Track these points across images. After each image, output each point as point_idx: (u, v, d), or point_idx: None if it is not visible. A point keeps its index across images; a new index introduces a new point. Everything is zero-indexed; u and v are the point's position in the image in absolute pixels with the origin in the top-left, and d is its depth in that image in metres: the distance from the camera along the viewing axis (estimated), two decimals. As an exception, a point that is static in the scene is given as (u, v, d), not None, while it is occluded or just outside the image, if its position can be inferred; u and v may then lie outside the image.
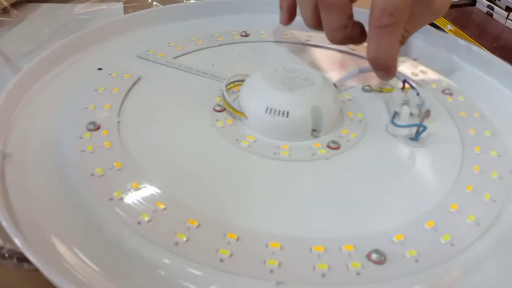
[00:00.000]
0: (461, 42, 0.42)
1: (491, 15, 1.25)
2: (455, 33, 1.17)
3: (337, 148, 0.30)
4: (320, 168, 0.28)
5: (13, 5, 0.47)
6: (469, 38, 1.15)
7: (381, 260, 0.22)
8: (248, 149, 0.29)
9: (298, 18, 0.47)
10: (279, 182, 0.27)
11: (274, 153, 0.29)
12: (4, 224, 0.21)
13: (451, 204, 0.26)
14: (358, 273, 0.21)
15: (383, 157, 0.30)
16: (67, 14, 0.48)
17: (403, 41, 0.35)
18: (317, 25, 0.36)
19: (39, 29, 0.45)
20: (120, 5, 0.51)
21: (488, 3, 1.14)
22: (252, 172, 0.28)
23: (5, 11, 0.46)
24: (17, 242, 0.21)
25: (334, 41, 0.35)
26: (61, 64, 0.37)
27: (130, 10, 0.50)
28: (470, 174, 0.28)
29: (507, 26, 1.11)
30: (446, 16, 1.21)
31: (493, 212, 0.25)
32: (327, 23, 0.34)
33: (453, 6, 1.25)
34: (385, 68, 0.33)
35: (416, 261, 0.22)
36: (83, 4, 0.49)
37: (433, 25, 0.63)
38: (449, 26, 1.25)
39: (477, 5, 1.05)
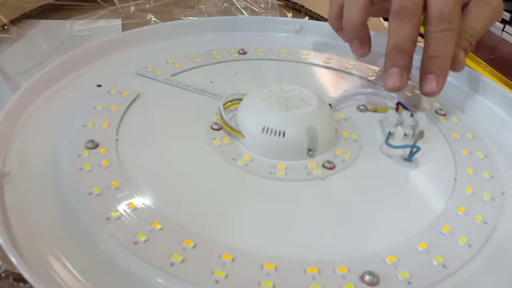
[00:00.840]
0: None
1: (487, 28, 1.26)
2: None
3: (332, 168, 0.30)
4: (315, 188, 0.29)
5: (12, 22, 0.48)
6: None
7: (374, 281, 0.22)
8: (245, 168, 0.30)
9: (292, 36, 0.48)
10: (275, 202, 0.28)
11: (270, 173, 0.29)
12: (1, 242, 0.21)
13: (443, 225, 0.26)
14: (351, 295, 0.22)
15: (377, 178, 0.30)
16: (66, 31, 0.48)
17: (472, 41, 0.36)
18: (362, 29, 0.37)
19: (38, 46, 0.46)
20: (119, 22, 0.51)
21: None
22: (249, 192, 0.28)
23: (4, 28, 0.47)
24: (14, 260, 0.21)
25: (400, 52, 0.34)
26: (60, 80, 0.37)
27: (128, 27, 0.51)
28: (463, 196, 0.29)
29: (503, 38, 1.12)
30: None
31: (485, 234, 0.26)
32: (397, 32, 0.34)
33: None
34: (440, 69, 0.34)
35: (409, 283, 0.22)
36: (82, 21, 0.50)
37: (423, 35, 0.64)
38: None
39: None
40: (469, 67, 0.42)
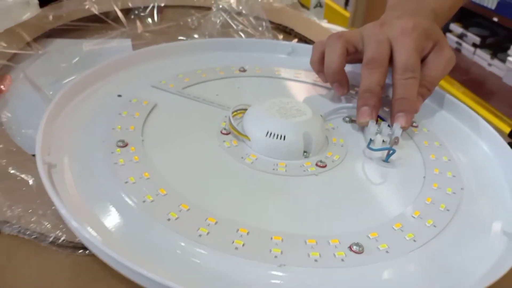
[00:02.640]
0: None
1: (459, 50, 1.36)
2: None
3: (324, 166, 0.36)
4: (310, 182, 0.35)
5: (34, 40, 0.53)
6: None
7: (360, 250, 0.28)
8: (252, 165, 0.35)
9: (285, 57, 0.55)
10: (278, 192, 0.34)
11: (273, 169, 0.35)
12: (62, 212, 0.26)
13: (414, 211, 0.32)
14: (342, 260, 0.28)
15: (361, 174, 0.37)
16: (82, 49, 0.54)
17: (430, 87, 0.43)
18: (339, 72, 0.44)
19: (58, 62, 0.51)
20: (129, 42, 0.57)
21: (457, 39, 1.26)
22: (256, 184, 0.34)
23: (27, 45, 0.52)
24: (73, 224, 0.26)
25: (370, 93, 0.41)
26: (86, 90, 0.42)
27: (138, 47, 0.56)
28: (430, 189, 0.35)
29: (474, 61, 1.21)
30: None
31: (447, 218, 0.32)
32: (368, 78, 0.42)
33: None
34: (408, 108, 0.40)
35: (387, 252, 0.28)
36: (95, 41, 0.56)
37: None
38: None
39: (447, 40, 1.15)
40: (440, 87, 0.49)
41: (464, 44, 1.30)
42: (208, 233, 0.28)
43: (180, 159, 0.35)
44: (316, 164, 0.36)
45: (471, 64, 1.28)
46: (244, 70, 0.50)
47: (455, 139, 0.43)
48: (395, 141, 0.38)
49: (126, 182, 0.31)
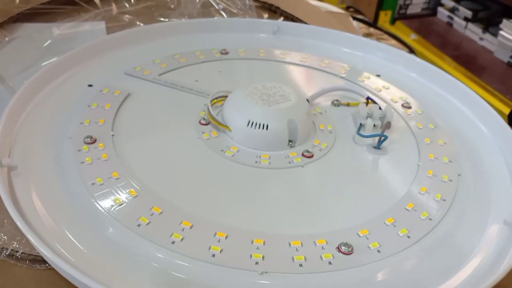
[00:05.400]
0: (418, 60, 0.47)
1: (451, 24, 1.33)
2: (419, 42, 1.25)
3: (311, 156, 0.34)
4: (296, 174, 0.32)
5: (0, 26, 0.49)
6: (432, 46, 1.22)
7: (349, 251, 0.26)
8: (233, 158, 0.33)
9: (270, 36, 0.51)
10: (260, 187, 0.31)
11: (256, 162, 0.33)
12: (18, 225, 0.24)
13: (408, 203, 0.30)
14: (330, 263, 0.25)
15: (350, 164, 0.34)
16: (52, 34, 0.50)
17: None
18: None
19: (27, 49, 0.47)
20: (103, 25, 0.53)
21: (448, 13, 1.22)
22: (237, 179, 0.31)
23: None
24: (30, 239, 0.23)
25: None
26: (54, 81, 0.39)
27: (112, 30, 0.52)
28: (425, 178, 0.32)
29: (466, 35, 1.18)
30: (410, 25, 1.29)
31: (443, 209, 0.30)
32: None
33: (415, 16, 1.33)
34: None
35: (379, 251, 0.26)
36: (67, 24, 0.52)
37: (394, 36, 0.68)
38: (413, 35, 1.32)
39: (438, 15, 1.11)
40: (433, 63, 0.46)
41: (455, 18, 1.27)
42: (182, 239, 0.25)
43: (154, 154, 0.33)
44: (302, 154, 0.34)
45: (462, 39, 1.26)
46: (226, 53, 0.47)
47: (451, 120, 0.40)
48: (387, 126, 0.35)
49: (93, 184, 0.29)
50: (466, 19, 1.20)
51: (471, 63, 1.12)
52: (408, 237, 0.27)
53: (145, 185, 0.29)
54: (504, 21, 1.05)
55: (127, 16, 0.58)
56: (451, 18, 1.26)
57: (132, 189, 0.28)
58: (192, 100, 0.39)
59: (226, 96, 0.37)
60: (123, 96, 0.38)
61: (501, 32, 1.08)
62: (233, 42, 0.49)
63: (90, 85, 0.40)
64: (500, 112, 0.44)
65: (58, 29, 0.51)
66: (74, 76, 0.41)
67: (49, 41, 0.50)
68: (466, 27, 1.21)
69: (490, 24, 1.16)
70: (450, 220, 0.29)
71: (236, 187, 0.31)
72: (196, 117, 0.37)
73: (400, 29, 1.28)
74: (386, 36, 0.69)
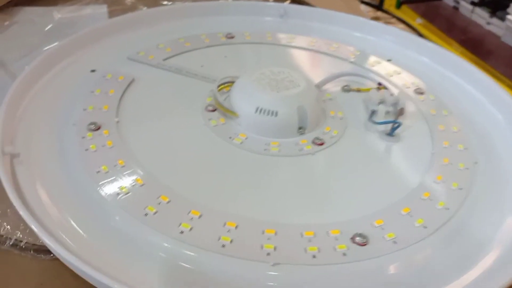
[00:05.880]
0: (429, 44, 0.45)
1: (457, 8, 1.31)
2: (425, 26, 1.23)
3: (322, 144, 0.33)
4: (307, 162, 0.31)
5: (0, 10, 0.48)
6: (438, 31, 1.20)
7: (364, 242, 0.25)
8: (241, 146, 0.32)
9: (277, 20, 0.50)
10: (270, 176, 0.30)
11: (265, 149, 0.32)
12: (22, 214, 0.23)
13: (423, 192, 0.29)
14: (344, 254, 0.24)
15: (362, 151, 0.33)
16: (53, 18, 0.49)
17: None
18: None
19: (27, 34, 0.46)
20: (104, 9, 0.52)
21: (455, -3, 1.19)
22: (246, 167, 0.30)
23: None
24: (34, 228, 0.22)
25: None
26: (56, 66, 0.38)
27: (115, 14, 0.51)
28: (440, 166, 0.31)
29: (472, 20, 1.16)
30: (416, 9, 1.26)
31: (460, 198, 0.29)
32: None
33: (421, 0, 1.30)
34: None
35: (394, 242, 0.25)
36: (68, 8, 0.51)
37: (402, 20, 0.66)
38: (419, 20, 1.30)
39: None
40: (443, 48, 0.45)
41: (462, 2, 1.25)
42: (191, 229, 0.25)
43: (160, 142, 0.32)
44: (313, 142, 0.33)
45: (469, 23, 1.24)
46: (232, 37, 0.46)
47: (465, 106, 0.39)
48: (401, 112, 0.34)
49: (98, 172, 0.28)
50: (473, 3, 1.18)
51: (478, 48, 1.10)
52: (425, 227, 0.26)
53: (152, 173, 0.28)
54: (512, 5, 1.03)
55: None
56: (458, 2, 1.24)
57: (138, 177, 0.27)
58: (198, 85, 0.38)
59: (233, 82, 0.36)
60: (127, 82, 0.37)
61: (509, 16, 1.06)
62: (238, 26, 0.48)
63: (93, 70, 0.39)
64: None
65: (59, 13, 0.50)
66: (77, 62, 0.40)
67: (50, 25, 0.49)
68: (473, 11, 1.19)
69: (498, 8, 1.14)
70: (467, 210, 0.28)
71: (245, 176, 0.30)
72: (202, 104, 0.35)
73: (406, 13, 1.25)
74: (394, 20, 0.67)
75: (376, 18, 0.65)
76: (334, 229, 0.25)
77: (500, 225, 0.28)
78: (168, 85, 0.38)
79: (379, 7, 0.69)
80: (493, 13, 1.14)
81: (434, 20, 1.22)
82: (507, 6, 1.06)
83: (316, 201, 0.28)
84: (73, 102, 0.34)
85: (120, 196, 0.26)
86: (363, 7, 0.65)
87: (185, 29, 0.46)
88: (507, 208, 0.29)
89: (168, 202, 0.26)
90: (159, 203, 0.26)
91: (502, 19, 1.09)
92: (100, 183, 0.27)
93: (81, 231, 0.24)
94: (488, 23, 1.17)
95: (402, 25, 0.65)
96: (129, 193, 0.26)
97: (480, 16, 1.17)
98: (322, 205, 0.28)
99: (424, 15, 1.24)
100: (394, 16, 0.67)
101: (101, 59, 0.40)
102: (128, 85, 0.37)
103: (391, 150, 0.33)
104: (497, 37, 1.13)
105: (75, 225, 0.25)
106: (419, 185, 0.30)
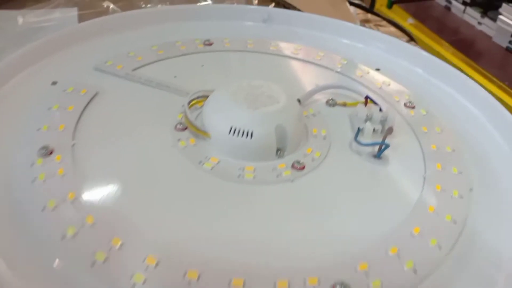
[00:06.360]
0: (423, 53, 0.42)
1: (449, 9, 1.29)
2: (416, 27, 1.20)
3: (302, 168, 0.29)
4: (284, 191, 0.28)
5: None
6: (430, 31, 1.17)
7: (346, 292, 0.22)
8: (212, 172, 0.28)
9: (260, 25, 0.46)
10: (243, 208, 0.27)
11: (239, 176, 0.28)
12: None
13: (413, 227, 0.26)
14: (322, 309, 0.21)
15: (346, 178, 0.30)
16: (19, 22, 0.45)
17: None
18: None
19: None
20: (75, 12, 0.48)
21: (446, -3, 1.17)
22: (216, 197, 0.27)
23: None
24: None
25: None
26: (13, 78, 0.35)
27: (86, 18, 0.48)
28: (432, 193, 0.28)
29: (464, 20, 1.14)
30: (407, 10, 1.24)
31: (454, 234, 0.26)
32: None
33: (412, 0, 1.27)
34: None
35: (381, 291, 0.22)
36: (35, 12, 0.47)
37: (393, 23, 0.63)
38: (410, 20, 1.27)
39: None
40: (430, 49, 0.42)
41: (453, 2, 1.23)
42: (144, 282, 0.21)
43: (121, 168, 0.28)
44: (293, 166, 0.29)
45: (460, 23, 1.22)
46: (211, 44, 0.42)
47: (460, 123, 0.36)
48: (389, 132, 0.31)
49: (43, 209, 0.24)
50: (464, 3, 1.16)
51: (469, 48, 1.09)
52: (415, 271, 0.23)
53: (106, 208, 0.25)
54: (504, 5, 1.01)
55: (103, 1, 0.53)
56: (449, 2, 1.22)
57: (89, 214, 0.24)
58: (169, 99, 0.35)
59: (206, 96, 0.33)
60: (90, 96, 0.33)
61: (500, 16, 1.04)
62: (218, 31, 0.44)
63: (54, 83, 0.35)
64: (498, 99, 0.40)
65: (24, 17, 0.46)
66: (37, 73, 0.36)
67: (14, 31, 0.45)
68: (464, 11, 1.17)
69: (489, 8, 1.12)
70: (462, 248, 0.25)
71: (214, 209, 0.26)
72: (172, 121, 0.32)
73: (397, 13, 1.22)
74: (384, 22, 0.64)
75: (366, 21, 0.62)
76: (312, 275, 0.22)
77: (500, 265, 0.25)
78: (135, 99, 0.35)
79: (369, 9, 0.66)
80: (484, 13, 1.12)
81: (426, 20, 1.20)
82: (499, 6, 1.04)
83: (292, 239, 0.25)
84: (28, 121, 0.31)
85: (65, 239, 0.23)
86: (353, 9, 0.62)
87: (159, 35, 0.42)
88: (508, 245, 0.26)
89: (121, 245, 0.23)
90: (110, 248, 0.22)
91: (494, 19, 1.08)
92: (45, 222, 0.24)
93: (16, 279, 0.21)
94: (480, 23, 1.15)
95: (393, 28, 0.62)
96: (76, 235, 0.23)
97: (472, 16, 1.15)
98: (299, 243, 0.25)
99: (415, 15, 1.22)
100: (384, 19, 0.64)
101: (65, 69, 0.37)
102: (90, 100, 0.33)
103: (378, 175, 0.30)
104: (489, 38, 1.11)
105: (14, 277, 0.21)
106: (408, 218, 0.26)
